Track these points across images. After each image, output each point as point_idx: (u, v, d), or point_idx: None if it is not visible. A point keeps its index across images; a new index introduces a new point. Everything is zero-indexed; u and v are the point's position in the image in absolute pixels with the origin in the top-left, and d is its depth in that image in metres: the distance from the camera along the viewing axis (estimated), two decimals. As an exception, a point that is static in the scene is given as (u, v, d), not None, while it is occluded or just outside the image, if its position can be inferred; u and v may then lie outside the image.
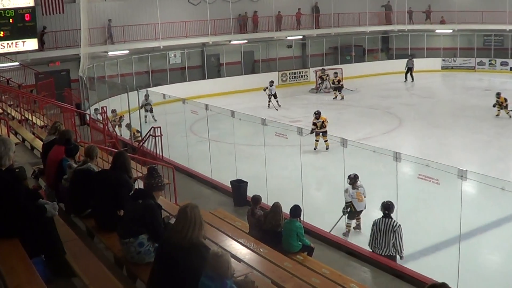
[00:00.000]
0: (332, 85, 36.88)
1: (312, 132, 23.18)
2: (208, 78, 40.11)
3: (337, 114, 31.13)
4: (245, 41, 41.52)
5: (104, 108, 22.86)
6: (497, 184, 11.26)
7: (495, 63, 45.68)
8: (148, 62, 37.87)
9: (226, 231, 11.07)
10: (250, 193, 14.37)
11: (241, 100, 34.79)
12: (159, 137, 19.49)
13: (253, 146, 20.45)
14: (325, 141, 23.45)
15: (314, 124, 23.54)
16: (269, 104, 33.12)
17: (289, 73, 42.69)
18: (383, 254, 12.01)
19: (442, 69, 46.51)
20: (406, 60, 42.81)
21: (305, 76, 42.81)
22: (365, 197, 14.91)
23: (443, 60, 46.63)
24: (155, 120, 27.62)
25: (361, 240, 13.93)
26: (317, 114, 23.60)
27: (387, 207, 11.99)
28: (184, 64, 39.43)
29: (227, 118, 17.80)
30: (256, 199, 12.58)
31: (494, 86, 39.01)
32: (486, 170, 15.37)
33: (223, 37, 40.18)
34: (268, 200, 13.76)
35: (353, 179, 14.80)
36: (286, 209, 11.69)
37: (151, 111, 29.12)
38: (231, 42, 40.73)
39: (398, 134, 26.86)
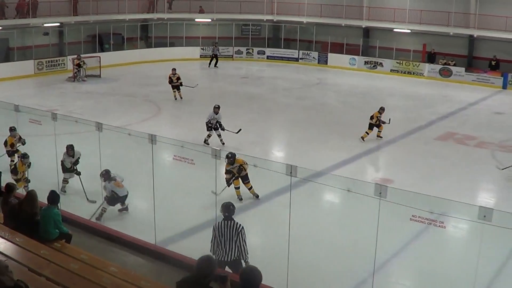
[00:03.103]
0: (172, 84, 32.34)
1: (229, 184, 17.08)
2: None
3: (95, 103, 30.80)
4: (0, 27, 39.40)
5: None
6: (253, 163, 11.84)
7: (253, 52, 48.65)
8: None
9: (-22, 222, 10.67)
10: (4, 183, 13.89)
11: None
12: None
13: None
14: (249, 189, 17.32)
15: (229, 171, 17.06)
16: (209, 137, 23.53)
17: (46, 61, 40.98)
18: (229, 259, 10.97)
19: (200, 57, 47.70)
20: (211, 47, 44.81)
21: (62, 65, 41.39)
22: (122, 180, 15.32)
23: (201, 49, 47.93)
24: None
25: (120, 225, 14.16)
26: (231, 159, 16.66)
27: (227, 209, 11.06)
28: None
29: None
30: (10, 187, 12.17)
31: (251, 74, 41.50)
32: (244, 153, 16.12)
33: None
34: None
35: (105, 175, 15.00)
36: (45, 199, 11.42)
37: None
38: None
39: (157, 121, 27.33)
